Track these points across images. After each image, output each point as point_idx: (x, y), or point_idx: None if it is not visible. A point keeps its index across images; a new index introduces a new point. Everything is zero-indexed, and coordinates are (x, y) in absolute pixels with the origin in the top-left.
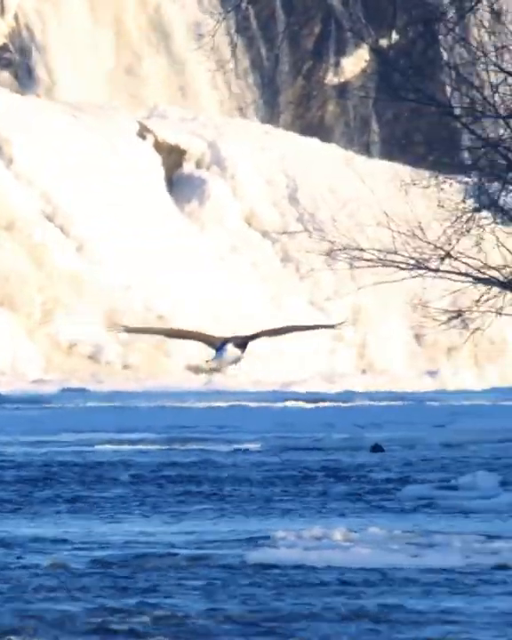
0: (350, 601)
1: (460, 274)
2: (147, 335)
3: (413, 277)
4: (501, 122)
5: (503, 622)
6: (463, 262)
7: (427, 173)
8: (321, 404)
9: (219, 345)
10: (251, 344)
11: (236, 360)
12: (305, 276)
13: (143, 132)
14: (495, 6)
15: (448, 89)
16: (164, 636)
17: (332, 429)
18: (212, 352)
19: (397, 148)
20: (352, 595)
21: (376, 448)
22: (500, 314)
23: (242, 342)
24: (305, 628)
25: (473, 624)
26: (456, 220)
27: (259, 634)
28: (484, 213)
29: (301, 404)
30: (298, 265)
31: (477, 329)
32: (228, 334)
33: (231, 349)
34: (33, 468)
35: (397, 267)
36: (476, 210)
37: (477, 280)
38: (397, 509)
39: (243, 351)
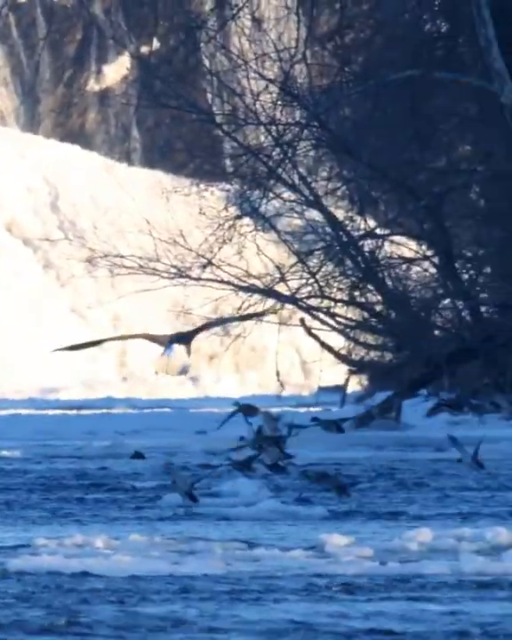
0: (90, 608)
1: (221, 282)
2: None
3: (175, 285)
4: (262, 129)
5: (253, 630)
6: (225, 270)
7: (188, 181)
8: (82, 412)
9: (167, 343)
10: (10, 350)
11: (185, 370)
12: (66, 283)
13: None
14: (256, 14)
15: (209, 96)
16: None
17: (94, 437)
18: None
19: (159, 155)
20: (94, 602)
21: (137, 455)
22: (261, 321)
23: (186, 339)
24: None
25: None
26: (217, 228)
27: None
28: (246, 221)
29: (63, 411)
30: (59, 272)
31: (239, 336)
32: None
33: (179, 352)
34: None
35: (159, 275)
36: (238, 217)
37: (239, 288)
38: (158, 516)
39: (189, 350)
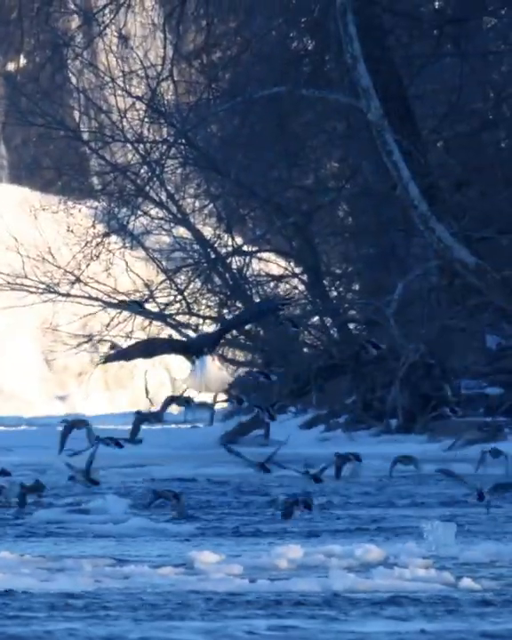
0: None
1: (90, 298)
2: None
3: (44, 302)
4: (130, 147)
5: None
6: (93, 287)
7: (56, 198)
8: None
9: (193, 351)
10: None
11: (222, 386)
12: None
13: None
14: (122, 31)
15: (76, 113)
16: None
17: None
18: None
19: (26, 172)
20: None
21: (3, 473)
22: (130, 337)
23: (212, 343)
24: None
25: None
26: (86, 245)
27: None
28: (114, 238)
29: None
30: None
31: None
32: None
33: (213, 370)
34: None
35: (27, 291)
36: (106, 235)
37: (107, 304)
38: (28, 533)
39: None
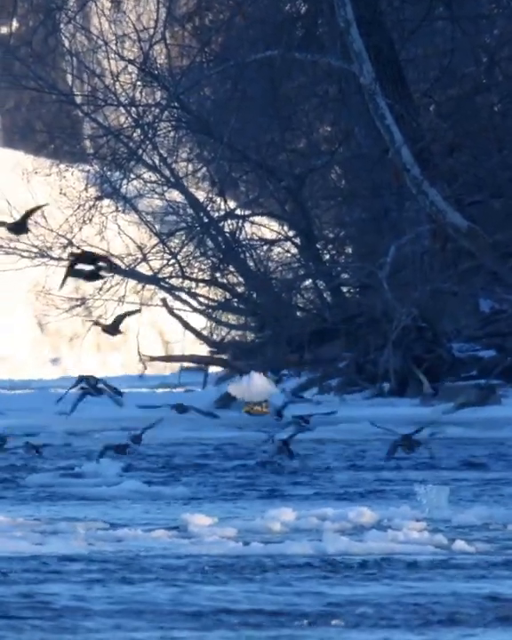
0: None
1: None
2: None
3: (36, 265)
4: (122, 110)
5: (119, 611)
6: (86, 251)
7: (49, 162)
8: None
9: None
10: None
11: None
12: None
13: None
14: None
15: (69, 77)
16: None
17: None
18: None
19: (19, 136)
20: None
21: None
22: (123, 302)
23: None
24: None
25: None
26: (78, 209)
27: None
28: (107, 202)
29: None
30: None
31: (100, 317)
32: None
33: (259, 382)
34: None
35: (20, 254)
36: (99, 198)
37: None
38: (21, 497)
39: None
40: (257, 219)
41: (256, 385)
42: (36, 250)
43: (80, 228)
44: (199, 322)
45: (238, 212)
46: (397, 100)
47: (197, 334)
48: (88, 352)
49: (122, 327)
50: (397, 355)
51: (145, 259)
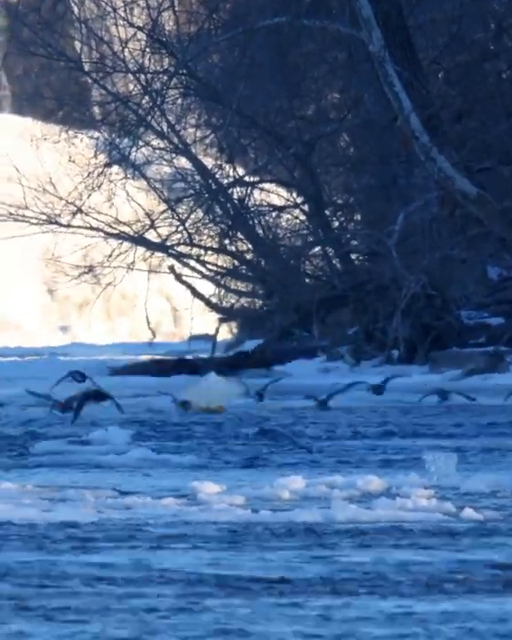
0: None
1: (91, 229)
2: None
3: (45, 233)
4: (131, 77)
5: (127, 578)
6: (94, 217)
7: (57, 128)
8: None
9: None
10: None
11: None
12: None
13: None
14: None
15: (78, 44)
16: None
17: None
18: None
19: (28, 103)
20: None
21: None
22: (132, 269)
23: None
24: None
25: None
26: (87, 176)
27: None
28: (115, 168)
29: None
30: None
31: (109, 284)
32: None
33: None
34: None
35: (29, 221)
36: (107, 165)
37: (109, 235)
38: (30, 464)
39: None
40: (265, 185)
41: (213, 390)
42: (44, 217)
43: (89, 195)
44: (208, 289)
45: (247, 178)
46: (406, 67)
47: (206, 301)
48: (97, 319)
49: (130, 294)
50: (406, 322)
51: (153, 225)
